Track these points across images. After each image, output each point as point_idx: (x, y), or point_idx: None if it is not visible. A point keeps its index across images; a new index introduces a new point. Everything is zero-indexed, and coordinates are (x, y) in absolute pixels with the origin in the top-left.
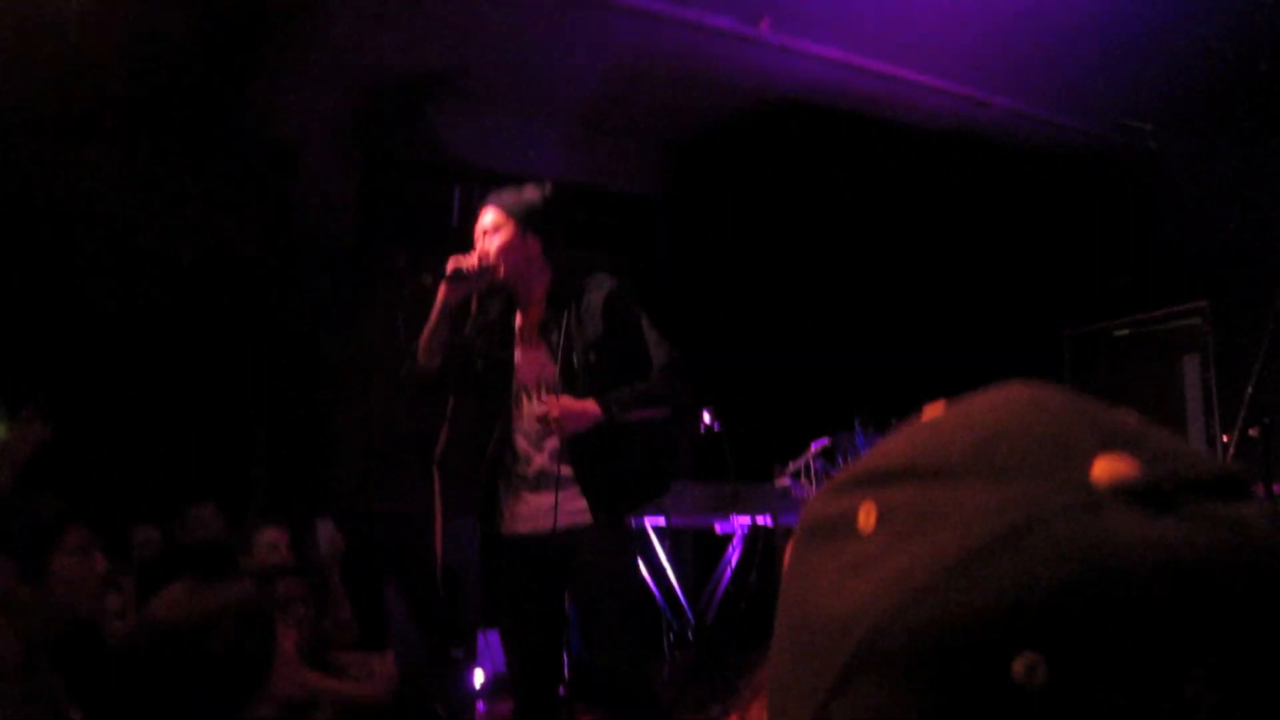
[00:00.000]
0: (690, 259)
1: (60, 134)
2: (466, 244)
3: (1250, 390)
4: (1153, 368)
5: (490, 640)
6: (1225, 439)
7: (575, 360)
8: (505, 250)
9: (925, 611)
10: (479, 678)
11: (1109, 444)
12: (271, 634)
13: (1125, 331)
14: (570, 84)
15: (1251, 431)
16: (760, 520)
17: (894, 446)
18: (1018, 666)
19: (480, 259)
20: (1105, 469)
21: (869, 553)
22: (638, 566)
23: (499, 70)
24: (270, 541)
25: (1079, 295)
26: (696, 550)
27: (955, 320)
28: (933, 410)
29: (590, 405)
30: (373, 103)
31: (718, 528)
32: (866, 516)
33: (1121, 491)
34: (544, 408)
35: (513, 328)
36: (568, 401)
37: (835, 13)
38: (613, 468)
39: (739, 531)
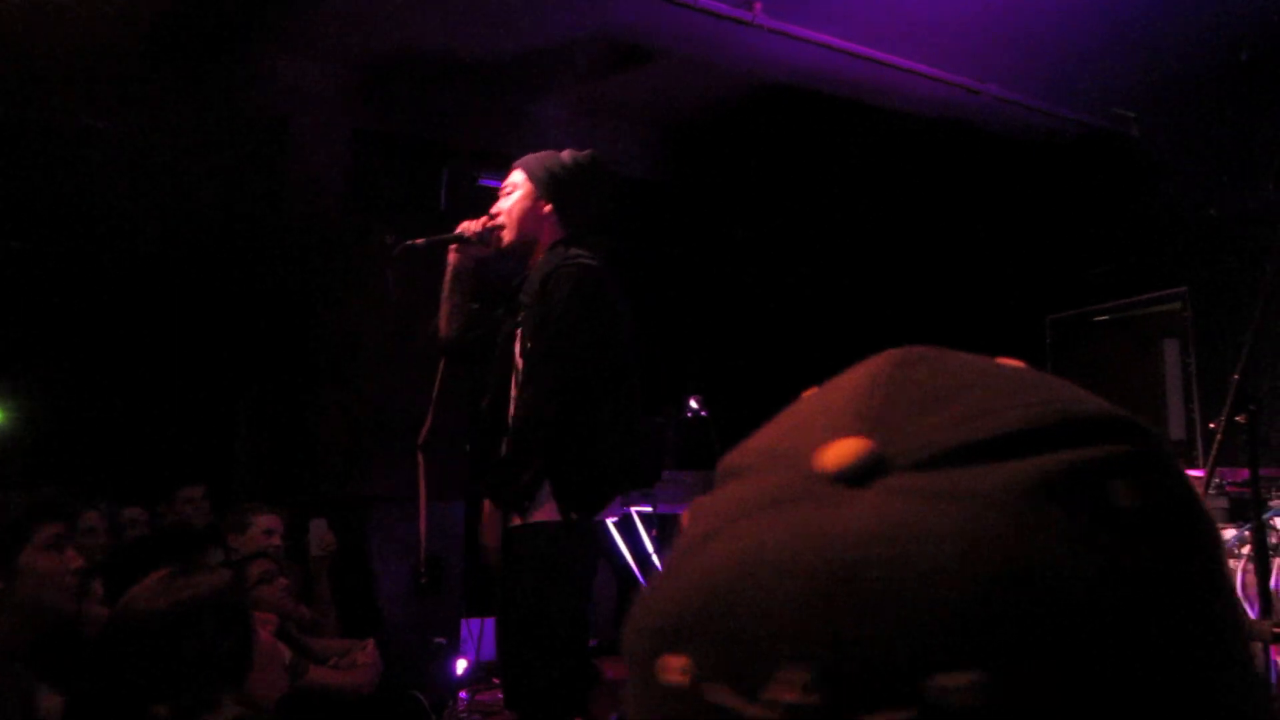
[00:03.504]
0: (681, 242)
1: (39, 108)
2: (453, 224)
3: (1236, 376)
4: (1133, 352)
5: (473, 628)
6: (1212, 425)
7: (525, 346)
8: (515, 211)
9: (637, 615)
10: (462, 666)
11: (866, 425)
12: (249, 627)
13: (1106, 316)
14: (565, 64)
15: (1239, 418)
16: None
17: (743, 442)
18: (664, 664)
19: (486, 221)
20: (833, 455)
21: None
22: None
23: (493, 48)
24: (267, 527)
25: (1062, 280)
26: None
27: (941, 304)
28: (809, 392)
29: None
30: (364, 78)
31: None
32: (684, 519)
33: (839, 475)
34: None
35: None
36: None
37: None
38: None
39: None
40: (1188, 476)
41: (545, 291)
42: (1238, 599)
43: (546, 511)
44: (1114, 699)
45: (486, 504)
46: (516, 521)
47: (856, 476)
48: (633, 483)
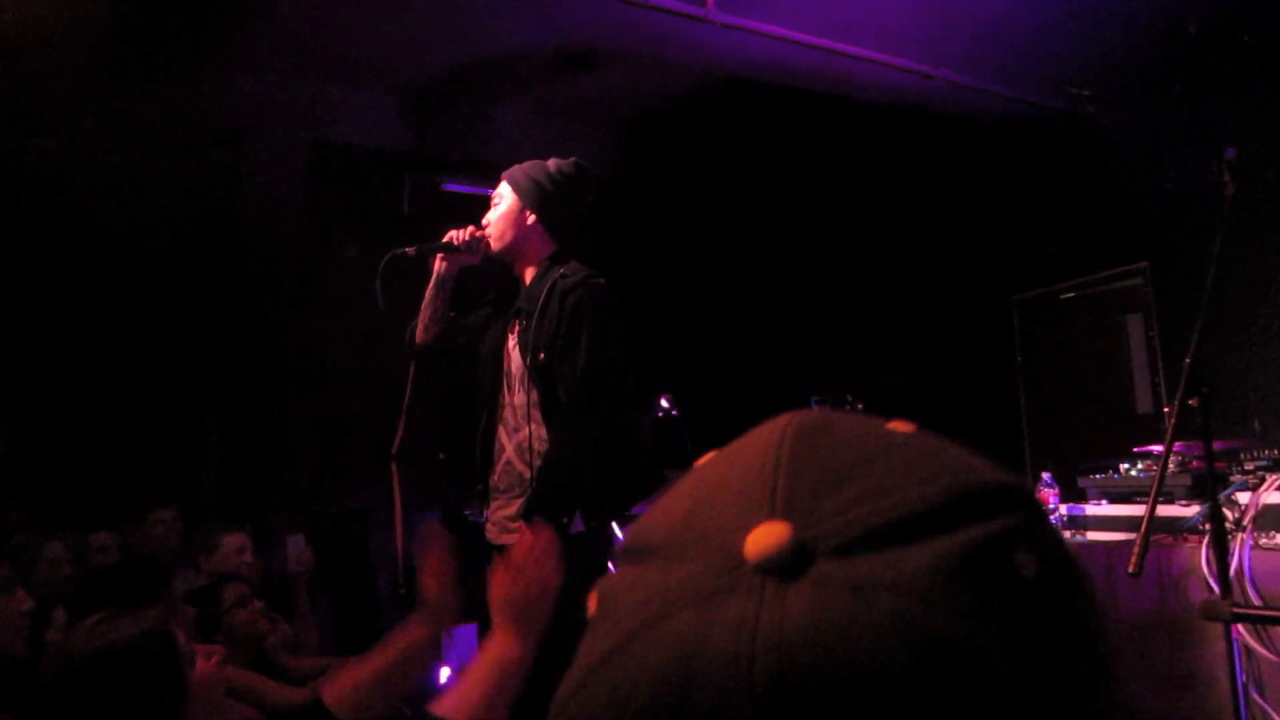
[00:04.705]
0: (641, 240)
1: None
2: (417, 232)
3: (1188, 361)
4: (1098, 328)
5: (456, 638)
6: (1167, 410)
7: (528, 357)
8: (500, 221)
9: (570, 712)
10: (445, 674)
11: (779, 506)
12: (178, 663)
13: (1071, 294)
14: (521, 67)
15: (1191, 402)
16: None
17: (647, 515)
18: None
19: (474, 230)
20: (756, 542)
21: (585, 639)
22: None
23: (450, 52)
24: (237, 545)
25: (1025, 261)
26: None
27: (908, 291)
28: (706, 458)
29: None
30: (320, 87)
31: None
32: (592, 603)
33: (767, 566)
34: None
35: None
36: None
37: None
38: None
39: None
40: (1058, 532)
41: (562, 308)
42: (1104, 626)
43: (578, 523)
44: None
45: (531, 536)
46: None
47: (785, 568)
48: (649, 490)
